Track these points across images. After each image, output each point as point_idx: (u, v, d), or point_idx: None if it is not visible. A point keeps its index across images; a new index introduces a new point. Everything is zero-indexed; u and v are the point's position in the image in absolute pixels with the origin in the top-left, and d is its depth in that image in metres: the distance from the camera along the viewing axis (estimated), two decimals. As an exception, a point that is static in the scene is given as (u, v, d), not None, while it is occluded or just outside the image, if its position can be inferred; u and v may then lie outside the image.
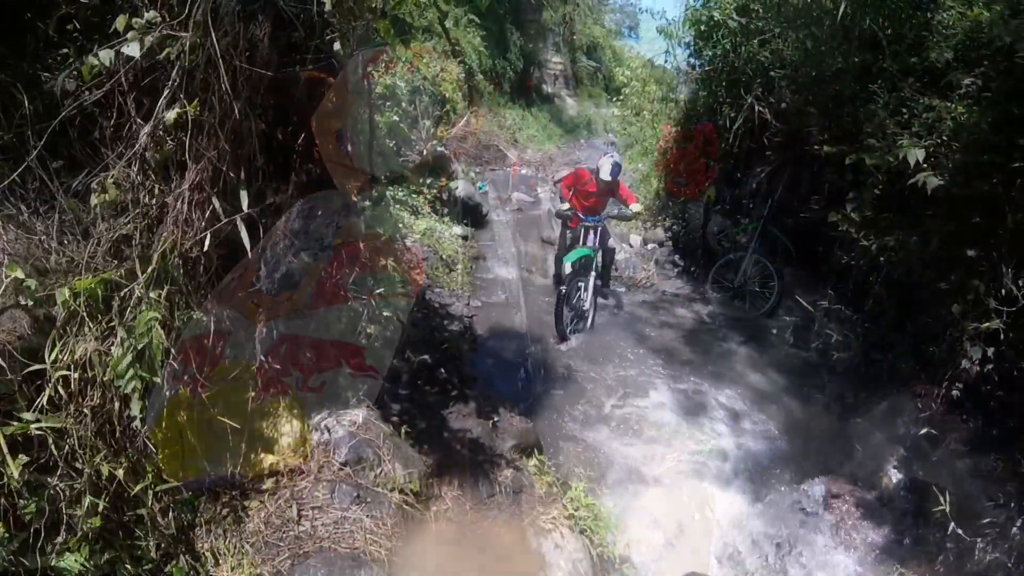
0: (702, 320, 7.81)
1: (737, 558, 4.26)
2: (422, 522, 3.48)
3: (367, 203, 4.08)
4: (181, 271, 2.55)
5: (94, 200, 2.30)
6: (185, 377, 2.64)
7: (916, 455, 4.41)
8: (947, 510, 3.67)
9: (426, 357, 5.01)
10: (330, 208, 3.56)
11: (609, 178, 6.86)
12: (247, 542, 2.85)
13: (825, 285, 5.75)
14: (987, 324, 3.96)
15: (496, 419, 4.55)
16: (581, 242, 6.84)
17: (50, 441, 2.05)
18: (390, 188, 5.70)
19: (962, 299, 4.17)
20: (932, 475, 4.13)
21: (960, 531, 3.64)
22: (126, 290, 2.32)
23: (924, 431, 4.26)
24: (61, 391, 2.14)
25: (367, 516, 3.21)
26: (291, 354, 3.60)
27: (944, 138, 4.73)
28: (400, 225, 4.55)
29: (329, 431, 3.62)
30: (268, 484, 3.16)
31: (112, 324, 2.26)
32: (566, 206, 7.07)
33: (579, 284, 6.62)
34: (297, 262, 3.21)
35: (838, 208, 5.46)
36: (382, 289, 4.21)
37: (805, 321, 5.91)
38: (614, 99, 17.46)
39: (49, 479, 2.05)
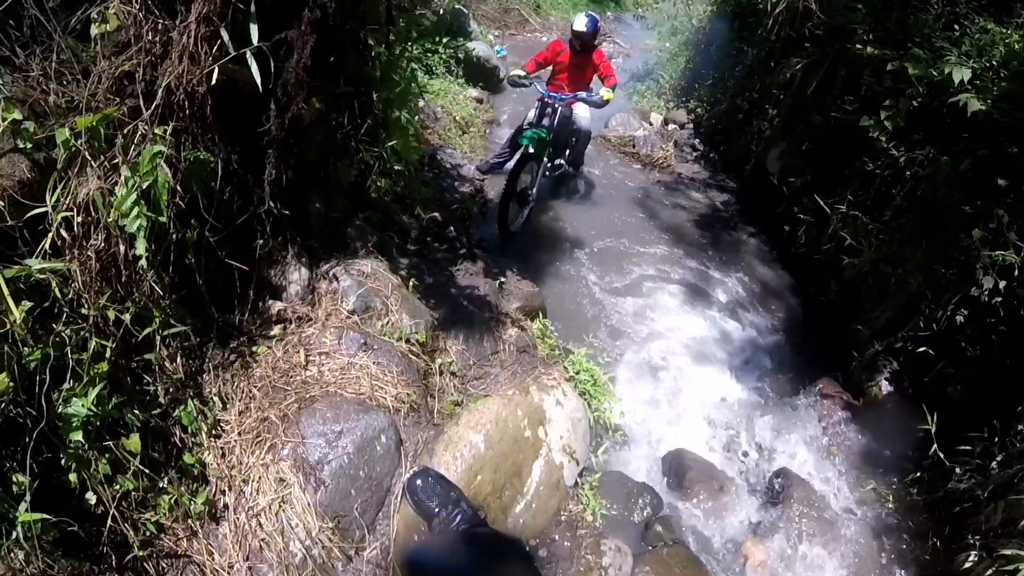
0: (716, 206, 7.72)
1: (725, 438, 4.40)
2: (427, 373, 3.56)
3: (383, 49, 3.88)
4: (187, 108, 2.44)
5: (94, 31, 2.15)
6: (192, 220, 2.59)
7: (910, 372, 4.45)
8: (932, 431, 3.71)
9: (436, 215, 4.96)
10: (344, 51, 3.38)
11: (583, 29, 6.22)
12: (254, 387, 2.91)
13: (846, 189, 5.57)
14: (1004, 255, 3.88)
15: (503, 280, 4.56)
16: (537, 119, 6.07)
17: (54, 286, 2.02)
18: (406, 41, 5.42)
19: (983, 226, 4.07)
20: (922, 394, 4.17)
21: (941, 454, 3.70)
22: (129, 128, 2.22)
23: (921, 349, 4.26)
24: (64, 234, 2.09)
25: (373, 363, 3.26)
26: (301, 201, 3.55)
27: (993, 63, 4.58)
28: (414, 81, 4.35)
29: (337, 279, 3.62)
30: (276, 331, 3.19)
31: (115, 163, 2.17)
32: (521, 72, 6.26)
33: (523, 174, 5.76)
34: (308, 106, 3.08)
35: (872, 113, 5.25)
36: (394, 142, 4.09)
37: (820, 222, 5.78)
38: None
39: (54, 325, 2.04)
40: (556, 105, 6.01)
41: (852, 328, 5.06)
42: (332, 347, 3.24)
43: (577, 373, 4.02)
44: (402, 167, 4.41)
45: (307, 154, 3.37)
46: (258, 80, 2.46)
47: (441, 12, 10.15)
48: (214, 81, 2.39)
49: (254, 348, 3.05)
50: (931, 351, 4.21)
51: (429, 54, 8.79)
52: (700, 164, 8.93)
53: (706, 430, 4.46)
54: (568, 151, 6.79)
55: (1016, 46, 4.53)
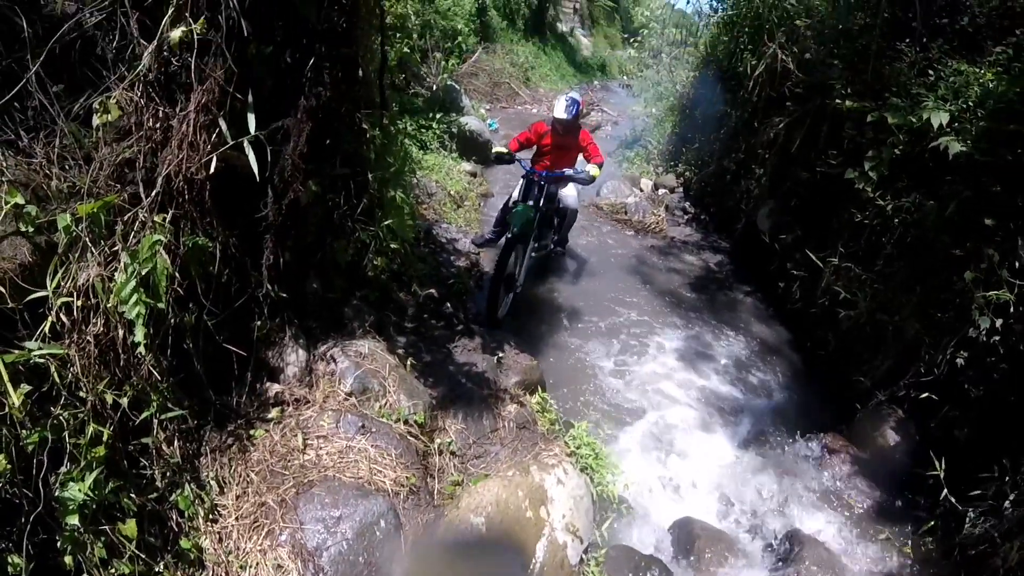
0: (709, 268, 7.78)
1: (732, 503, 4.31)
2: (426, 453, 3.51)
3: (377, 131, 3.98)
4: (186, 195, 2.49)
5: (96, 121, 2.22)
6: (190, 304, 2.60)
7: (914, 419, 4.41)
8: (941, 476, 3.66)
9: (432, 292, 4.98)
10: (340, 135, 3.47)
11: (564, 115, 5.92)
12: (252, 471, 2.87)
13: (836, 242, 5.63)
14: (998, 294, 3.89)
15: (501, 355, 4.55)
16: (522, 197, 5.84)
17: (52, 370, 2.02)
18: (399, 121, 5.53)
19: (975, 267, 4.09)
20: (928, 441, 4.12)
21: (952, 499, 3.64)
22: (129, 215, 2.26)
23: (924, 395, 4.22)
24: (63, 318, 2.10)
25: (372, 446, 3.22)
26: (298, 282, 3.58)
27: (970, 103, 4.62)
28: (409, 158, 4.45)
29: (335, 360, 3.62)
30: (273, 413, 3.17)
31: (115, 249, 2.20)
32: (503, 149, 5.95)
33: (510, 257, 5.37)
34: (305, 189, 3.14)
35: (855, 165, 5.33)
36: (390, 220, 4.15)
37: (813, 276, 5.84)
38: (631, 41, 17.09)
39: (52, 408, 2.03)
40: (542, 183, 5.81)
41: (853, 379, 5.01)
42: (330, 430, 3.21)
43: (578, 448, 3.96)
44: (398, 245, 4.46)
45: (304, 235, 3.43)
46: (255, 169, 2.53)
47: (434, 88, 10.47)
48: (212, 169, 2.44)
49: (252, 431, 3.02)
50: (934, 396, 4.17)
51: (423, 130, 9.00)
52: (692, 227, 9.04)
53: (712, 495, 4.35)
54: (554, 232, 6.58)
55: (990, 84, 4.59)
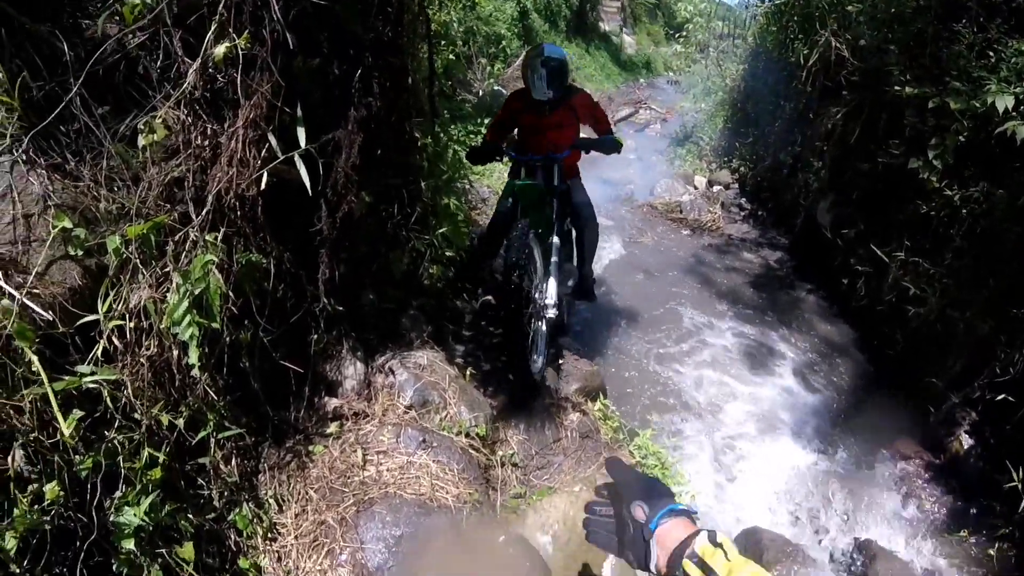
0: (769, 265, 7.54)
1: (800, 512, 4.12)
2: (488, 466, 3.43)
3: (428, 140, 3.93)
4: (238, 212, 2.46)
5: (142, 141, 2.20)
6: (245, 322, 2.58)
7: (990, 422, 4.14)
8: (1019, 486, 3.45)
9: (489, 298, 4.90)
10: (390, 145, 3.42)
11: (549, 94, 4.14)
12: (311, 488, 2.82)
13: (901, 235, 5.35)
14: None
15: (561, 362, 4.44)
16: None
17: (105, 394, 2.00)
18: (449, 128, 5.45)
19: None
20: (1006, 445, 3.87)
21: None
22: (180, 234, 2.24)
23: (1001, 397, 3.96)
24: (116, 342, 2.08)
25: (433, 461, 3.14)
26: (354, 295, 3.54)
27: None
28: (460, 165, 4.38)
29: (393, 373, 3.55)
30: (332, 428, 3.12)
31: (167, 270, 2.18)
32: (479, 144, 4.40)
33: (524, 256, 3.57)
34: (358, 200, 3.10)
35: (918, 154, 5.09)
36: (444, 228, 4.09)
37: (878, 272, 5.57)
38: (676, 36, 16.81)
39: (106, 432, 2.01)
40: (541, 165, 4.14)
41: (925, 381, 4.76)
42: (390, 445, 3.15)
43: (644, 458, 3.84)
44: (453, 252, 4.40)
45: (358, 247, 3.38)
46: (307, 183, 2.48)
47: (480, 94, 10.45)
48: (263, 185, 2.41)
49: (310, 447, 2.99)
50: (1011, 397, 3.91)
51: (472, 135, 8.98)
52: (749, 223, 8.81)
53: (781, 503, 4.19)
54: (572, 255, 4.54)
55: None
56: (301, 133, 2.52)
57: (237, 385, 2.61)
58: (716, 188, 9.79)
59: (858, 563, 3.66)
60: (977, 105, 4.53)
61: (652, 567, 1.11)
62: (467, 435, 3.41)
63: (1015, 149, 4.22)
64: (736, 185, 9.79)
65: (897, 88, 5.54)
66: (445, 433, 3.35)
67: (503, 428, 3.72)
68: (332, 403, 3.27)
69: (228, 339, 2.44)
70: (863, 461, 4.57)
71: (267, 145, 2.47)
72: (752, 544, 3.72)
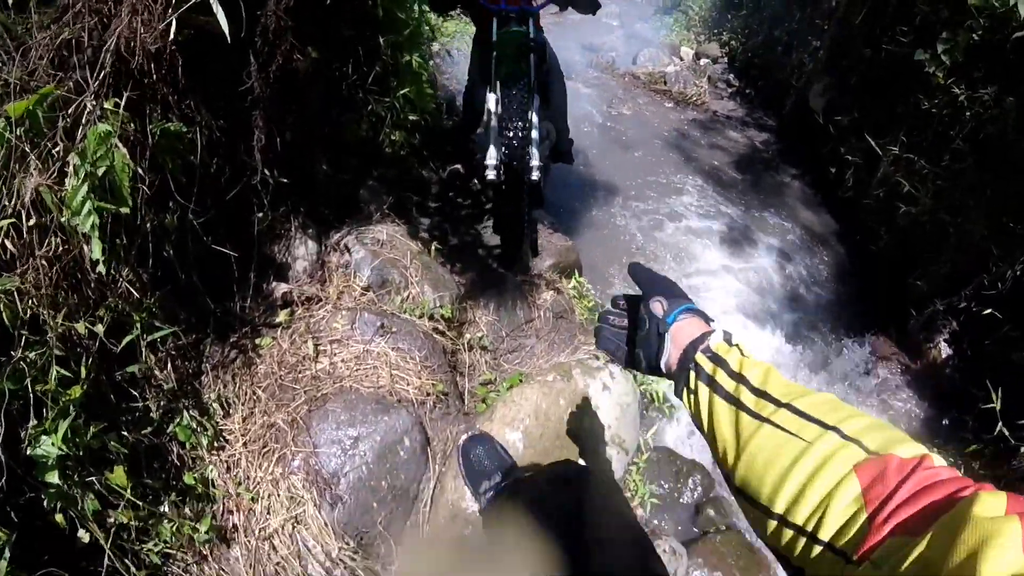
0: (755, 146, 7.20)
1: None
2: (455, 351, 3.21)
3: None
4: (152, 75, 2.01)
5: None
6: (170, 204, 2.20)
7: (971, 334, 4.06)
8: (997, 408, 3.36)
9: (458, 167, 4.50)
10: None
11: None
12: (259, 387, 2.56)
13: (898, 129, 5.02)
14: None
15: (534, 236, 4.15)
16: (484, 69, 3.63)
17: (0, 308, 1.66)
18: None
19: None
20: (984, 361, 3.81)
21: (1007, 431, 3.35)
22: (74, 106, 1.82)
23: (987, 311, 3.83)
24: (10, 245, 1.73)
25: (392, 349, 2.86)
26: (305, 165, 3.15)
27: None
28: (426, 23, 3.83)
29: (349, 251, 3.23)
30: (281, 317, 2.82)
31: (59, 150, 1.78)
32: None
33: (513, 124, 3.21)
34: (304, 56, 2.64)
35: (927, 46, 4.66)
36: (406, 90, 3.63)
37: (869, 164, 5.27)
38: None
39: (13, 353, 1.68)
40: (515, 16, 3.46)
41: (908, 281, 4.64)
42: (345, 333, 2.86)
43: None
44: (417, 116, 3.95)
45: (307, 111, 2.95)
46: (226, 30, 2.00)
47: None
48: (172, 36, 1.95)
49: (257, 340, 2.70)
50: (997, 313, 3.80)
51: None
52: (736, 101, 8.36)
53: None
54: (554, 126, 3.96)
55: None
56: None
57: (167, 277, 2.27)
58: (703, 61, 9.24)
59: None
60: (996, 4, 4.09)
61: (663, 364, 1.10)
62: (431, 317, 3.15)
63: None
64: (725, 60, 9.23)
65: (911, -30, 5.01)
66: (406, 316, 3.08)
67: (471, 308, 3.44)
68: (281, 288, 2.95)
69: (149, 225, 2.08)
70: (839, 355, 4.52)
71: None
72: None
